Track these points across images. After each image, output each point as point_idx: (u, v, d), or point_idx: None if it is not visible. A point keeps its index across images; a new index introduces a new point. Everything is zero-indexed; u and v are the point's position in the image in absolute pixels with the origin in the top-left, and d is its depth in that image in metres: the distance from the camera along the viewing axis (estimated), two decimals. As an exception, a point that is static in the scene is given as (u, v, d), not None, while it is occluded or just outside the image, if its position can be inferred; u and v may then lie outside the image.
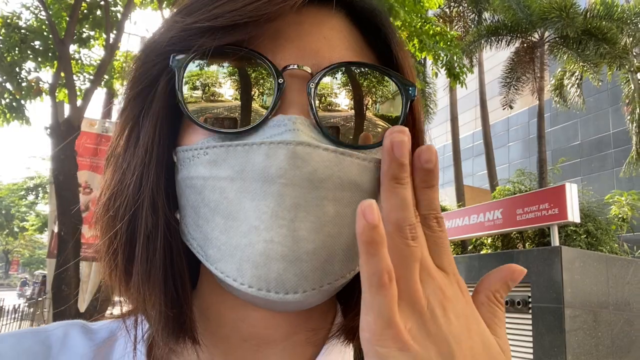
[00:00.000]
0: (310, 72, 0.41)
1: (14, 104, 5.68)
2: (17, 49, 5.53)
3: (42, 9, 5.05)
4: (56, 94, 4.78)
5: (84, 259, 5.24)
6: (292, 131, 0.38)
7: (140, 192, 0.42)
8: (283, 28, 0.42)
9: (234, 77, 0.42)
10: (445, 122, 19.21)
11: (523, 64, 16.03)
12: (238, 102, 0.42)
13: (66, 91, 4.86)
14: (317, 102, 0.41)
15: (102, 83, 6.32)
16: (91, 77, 6.06)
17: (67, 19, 5.18)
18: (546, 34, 15.27)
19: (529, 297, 5.18)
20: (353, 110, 0.43)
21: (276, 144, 0.37)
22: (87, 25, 5.86)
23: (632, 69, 13.89)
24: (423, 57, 6.51)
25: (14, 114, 5.72)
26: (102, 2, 5.35)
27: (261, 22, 0.39)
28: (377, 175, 0.41)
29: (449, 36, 6.40)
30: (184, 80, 0.41)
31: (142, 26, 27.20)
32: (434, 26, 6.39)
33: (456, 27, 17.42)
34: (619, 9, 13.79)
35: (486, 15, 16.55)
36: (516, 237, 8.61)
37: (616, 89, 17.67)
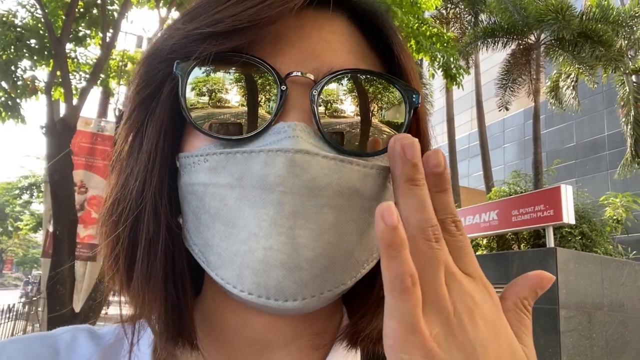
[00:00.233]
0: (313, 79, 0.41)
1: (9, 102, 5.63)
2: (12, 47, 5.48)
3: (38, 7, 5.02)
4: (52, 93, 4.75)
5: (79, 259, 5.21)
6: (292, 138, 0.38)
7: (143, 197, 0.42)
8: (284, 31, 0.42)
9: (236, 84, 0.42)
10: (442, 123, 19.23)
11: (519, 66, 16.10)
12: (241, 109, 0.42)
13: (62, 90, 4.83)
14: (319, 109, 0.41)
15: (98, 82, 6.29)
16: (87, 76, 6.02)
17: (63, 17, 5.15)
18: (542, 36, 15.32)
19: (524, 298, 5.19)
20: (356, 117, 0.43)
21: (274, 151, 0.37)
22: (83, 24, 5.83)
23: (627, 71, 13.94)
24: (420, 58, 6.52)
25: (9, 113, 5.68)
26: (99, 1, 5.33)
27: (261, 25, 0.39)
28: (379, 182, 0.41)
29: (445, 37, 6.39)
30: (187, 87, 0.41)
31: (139, 25, 27.24)
32: (430, 27, 6.39)
33: (453, 28, 17.45)
34: (615, 12, 13.84)
35: (483, 17, 16.58)
36: (511, 238, 8.62)
37: (611, 91, 17.75)
